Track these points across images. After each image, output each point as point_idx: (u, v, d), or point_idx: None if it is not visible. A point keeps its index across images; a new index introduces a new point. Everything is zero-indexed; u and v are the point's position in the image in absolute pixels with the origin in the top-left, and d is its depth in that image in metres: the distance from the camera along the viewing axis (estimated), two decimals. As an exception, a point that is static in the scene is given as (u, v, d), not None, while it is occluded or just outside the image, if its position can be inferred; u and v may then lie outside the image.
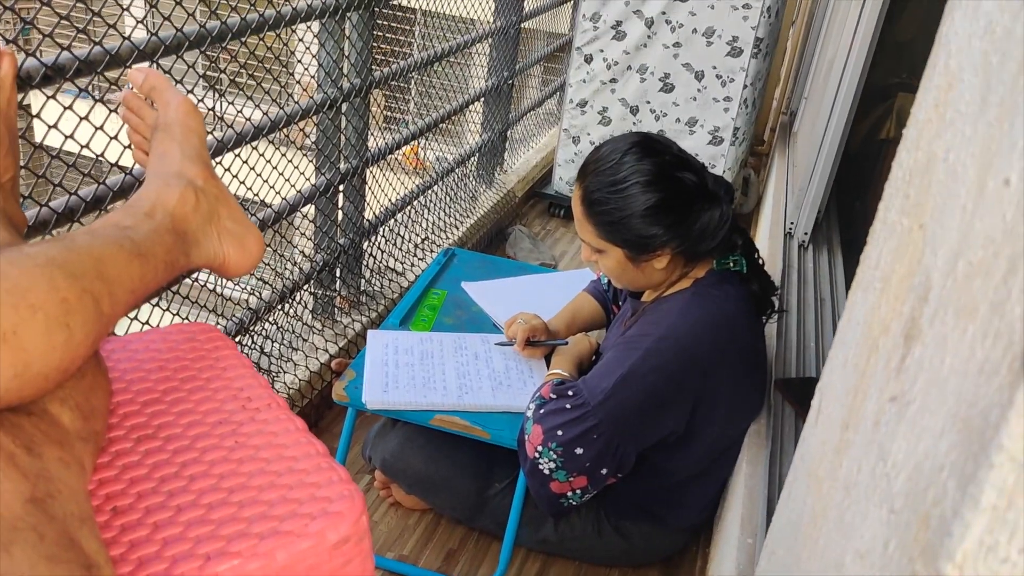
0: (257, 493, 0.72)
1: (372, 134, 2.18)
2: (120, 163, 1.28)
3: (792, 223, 2.32)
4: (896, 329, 0.56)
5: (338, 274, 2.25)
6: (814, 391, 1.56)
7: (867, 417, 0.58)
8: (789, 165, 2.94)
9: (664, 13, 3.08)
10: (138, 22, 1.28)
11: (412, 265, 2.66)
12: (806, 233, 2.25)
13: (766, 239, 2.41)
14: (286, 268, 1.99)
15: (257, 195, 1.73)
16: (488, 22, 3.29)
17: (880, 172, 2.65)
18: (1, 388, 0.57)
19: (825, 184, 2.18)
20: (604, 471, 1.44)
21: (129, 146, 1.02)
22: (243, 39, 1.46)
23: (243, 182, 1.65)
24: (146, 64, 1.28)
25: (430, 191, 2.84)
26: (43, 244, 0.66)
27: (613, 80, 3.29)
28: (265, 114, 1.57)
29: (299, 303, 2.12)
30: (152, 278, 0.76)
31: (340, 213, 2.14)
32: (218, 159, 1.48)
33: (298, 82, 2.10)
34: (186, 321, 1.10)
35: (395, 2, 2.16)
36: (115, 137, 1.22)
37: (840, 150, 2.16)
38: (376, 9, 1.97)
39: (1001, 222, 0.39)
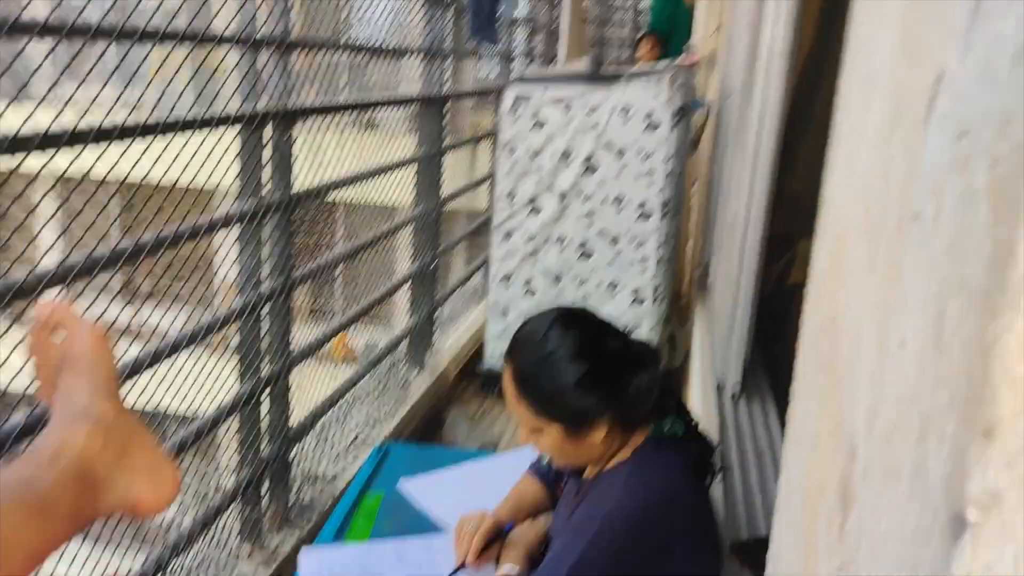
0: None
1: (298, 328, 2.17)
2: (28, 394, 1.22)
3: (721, 375, 2.36)
4: (832, 490, 0.55)
5: (265, 489, 2.13)
6: (767, 551, 1.51)
7: (821, 588, 0.56)
8: (709, 317, 3.02)
9: (575, 186, 3.24)
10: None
11: (344, 468, 2.56)
12: (736, 384, 2.28)
13: (699, 394, 2.43)
14: (208, 490, 1.89)
15: (166, 410, 1.67)
16: (409, 206, 3.40)
17: (794, 316, 2.74)
18: None
19: (746, 334, 2.24)
20: (569, 662, 1.35)
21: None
22: (158, 254, 1.46)
23: (158, 400, 1.60)
24: (57, 290, 1.26)
25: (359, 384, 2.79)
26: None
27: (534, 252, 3.39)
28: (182, 329, 1.55)
29: (223, 528, 1.98)
30: (54, 535, 0.69)
31: (265, 422, 2.07)
32: (135, 378, 1.44)
33: (216, 291, 2.09)
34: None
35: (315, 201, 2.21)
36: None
37: (755, 299, 2.23)
38: (295, 211, 2.02)
39: (905, 383, 0.39)
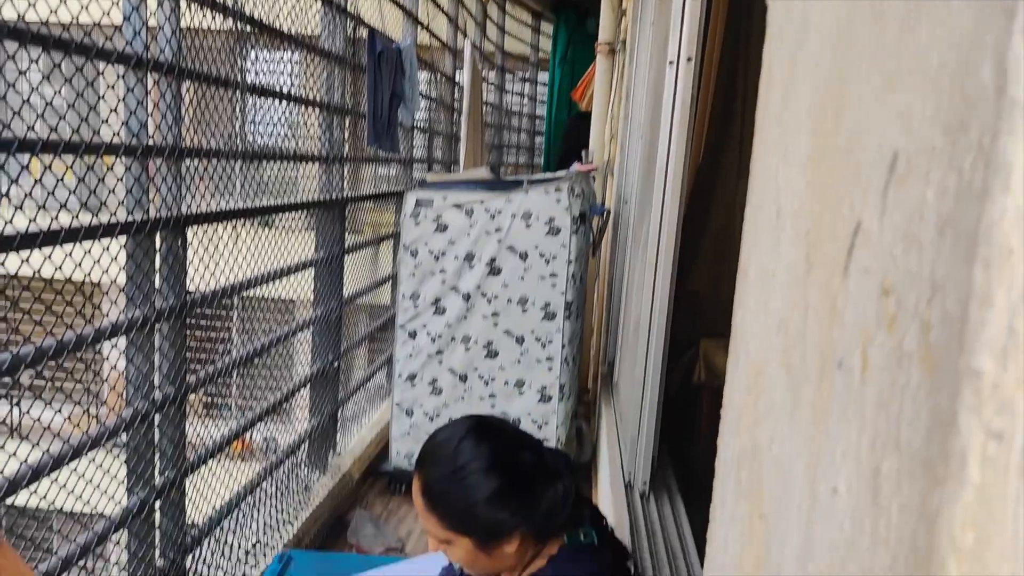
0: None
1: (192, 425, 2.06)
2: None
3: (630, 473, 2.35)
4: (762, 628, 0.54)
5: (159, 602, 1.99)
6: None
7: None
8: (616, 415, 3.04)
9: (479, 287, 3.25)
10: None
11: (244, 576, 2.42)
12: (645, 482, 2.28)
13: (608, 491, 2.42)
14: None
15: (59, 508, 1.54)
16: (308, 301, 3.32)
17: (700, 414, 2.79)
18: None
19: (653, 433, 2.25)
20: None
21: None
22: (40, 367, 1.37)
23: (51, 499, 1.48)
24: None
25: (259, 488, 2.67)
26: None
27: (439, 352, 3.35)
28: (66, 442, 1.44)
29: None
30: None
31: (157, 533, 1.94)
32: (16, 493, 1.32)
33: (103, 402, 1.97)
34: None
35: (209, 310, 2.13)
36: None
37: (661, 398, 2.26)
38: (187, 314, 1.94)
39: (840, 532, 0.38)
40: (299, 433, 3.17)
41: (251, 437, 3.37)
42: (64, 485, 1.56)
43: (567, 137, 6.83)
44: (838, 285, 0.41)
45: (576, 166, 4.05)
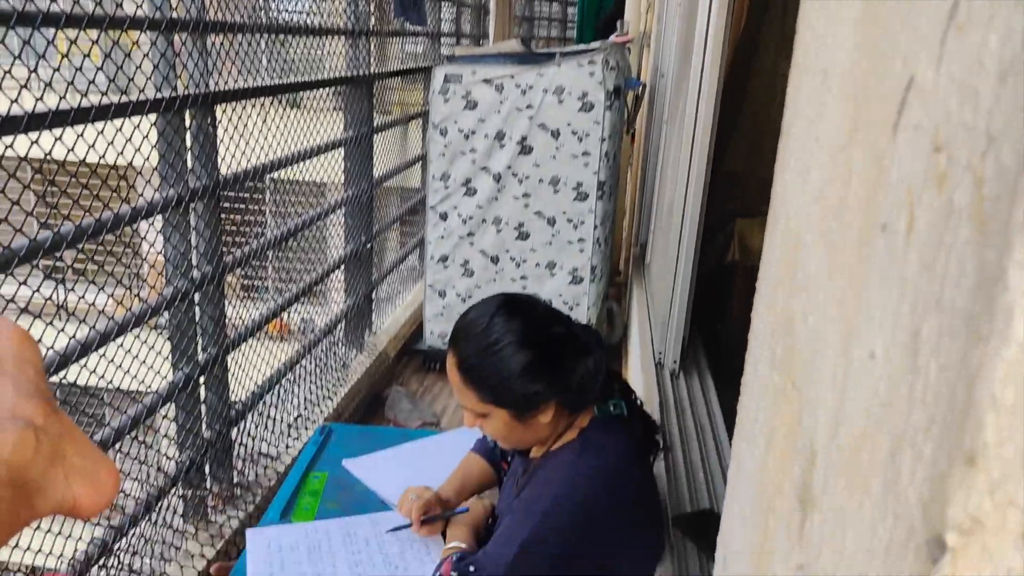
0: None
1: (231, 306, 2.11)
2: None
3: (660, 352, 2.38)
4: (789, 491, 0.55)
5: (207, 470, 2.10)
6: (710, 523, 1.54)
7: (778, 586, 0.56)
8: (647, 295, 3.05)
9: (510, 167, 3.21)
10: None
11: (287, 447, 2.53)
12: (675, 361, 2.31)
13: (638, 371, 2.45)
14: (149, 476, 1.84)
15: (106, 387, 1.61)
16: (339, 184, 3.32)
17: (732, 294, 2.79)
18: None
19: (685, 311, 2.26)
20: (518, 641, 1.35)
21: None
22: (80, 245, 1.39)
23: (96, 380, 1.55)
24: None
25: (298, 365, 2.75)
26: None
27: (470, 234, 3.36)
28: (111, 318, 1.48)
29: (168, 509, 1.95)
30: None
31: (203, 406, 2.02)
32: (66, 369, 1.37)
33: (144, 280, 2.02)
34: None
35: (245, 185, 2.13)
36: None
37: (693, 277, 2.25)
38: (221, 194, 1.95)
39: (875, 395, 0.38)
40: (335, 314, 3.24)
41: (288, 318, 3.45)
42: (112, 360, 1.61)
43: (601, 6, 6.56)
44: (885, 145, 0.39)
45: (611, 38, 3.91)
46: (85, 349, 1.45)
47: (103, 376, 1.58)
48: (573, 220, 3.19)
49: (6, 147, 1.27)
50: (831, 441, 0.46)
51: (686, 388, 2.22)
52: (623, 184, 4.53)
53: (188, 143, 1.82)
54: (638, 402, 1.58)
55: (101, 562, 1.63)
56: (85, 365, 1.51)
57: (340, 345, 3.32)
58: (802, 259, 0.54)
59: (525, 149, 3.18)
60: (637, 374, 2.50)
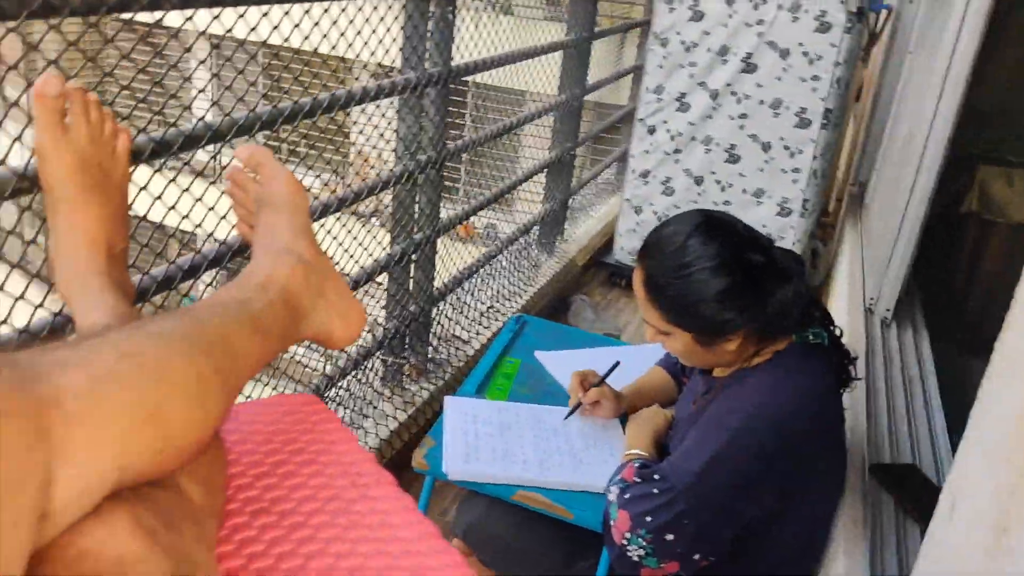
0: (376, 575, 0.70)
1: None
2: (215, 234, 1.28)
3: (872, 298, 2.25)
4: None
5: (407, 342, 2.24)
6: (915, 480, 1.46)
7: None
8: (863, 238, 2.87)
9: (730, 85, 3.08)
10: (213, 103, 1.30)
11: (477, 333, 2.64)
12: (888, 309, 2.18)
13: (844, 315, 2.34)
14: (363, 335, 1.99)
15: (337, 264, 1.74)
16: (540, 94, 3.32)
17: (962, 247, 2.57)
18: (144, 464, 0.56)
19: (908, 259, 2.11)
20: (696, 556, 1.36)
21: (224, 218, 1.02)
22: (314, 118, 1.46)
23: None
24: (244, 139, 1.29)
25: (495, 260, 2.84)
26: (170, 319, 0.65)
27: (677, 151, 3.28)
28: (348, 186, 1.58)
29: (370, 370, 2.11)
30: (269, 352, 0.76)
31: (412, 282, 2.14)
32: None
33: (359, 152, 2.12)
34: (277, 392, 1.08)
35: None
36: (212, 209, 1.23)
37: (923, 224, 2.10)
38: (452, 85, 2.00)
39: None
40: (535, 214, 3.29)
41: (473, 223, 3.54)
42: (330, 231, 1.71)
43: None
44: None
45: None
46: (326, 209, 1.56)
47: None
48: (791, 147, 3.03)
49: (239, 15, 1.29)
50: None
51: (897, 337, 2.10)
52: (848, 114, 4.24)
53: (430, 29, 1.86)
54: (837, 331, 1.51)
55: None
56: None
57: (533, 247, 3.38)
58: None
59: (749, 67, 3.03)
60: (841, 318, 2.39)
